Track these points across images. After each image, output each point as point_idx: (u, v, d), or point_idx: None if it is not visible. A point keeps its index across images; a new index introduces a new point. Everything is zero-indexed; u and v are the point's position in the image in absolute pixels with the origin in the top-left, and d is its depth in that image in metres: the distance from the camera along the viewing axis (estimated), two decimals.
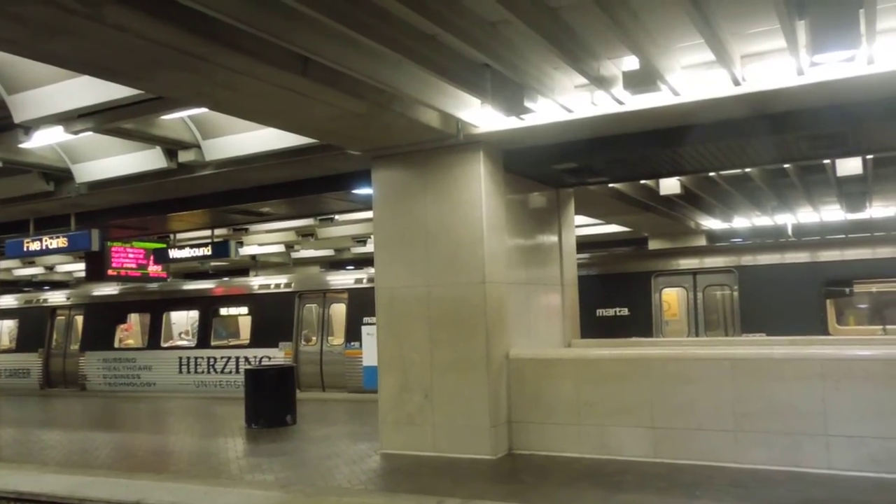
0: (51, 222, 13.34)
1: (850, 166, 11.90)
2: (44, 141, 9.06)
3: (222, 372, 16.74)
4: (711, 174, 12.98)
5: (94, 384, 18.43)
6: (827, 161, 11.95)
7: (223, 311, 17.78)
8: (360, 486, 6.87)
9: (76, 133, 8.44)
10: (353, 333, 15.26)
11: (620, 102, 7.07)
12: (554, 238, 9.89)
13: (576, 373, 8.01)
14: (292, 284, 16.87)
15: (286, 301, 16.46)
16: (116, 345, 18.74)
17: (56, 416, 14.48)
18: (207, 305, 17.62)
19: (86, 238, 12.60)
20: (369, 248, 20.68)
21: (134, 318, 19.64)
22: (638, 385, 7.59)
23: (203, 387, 16.80)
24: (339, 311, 16.04)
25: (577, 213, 11.37)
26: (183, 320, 19.37)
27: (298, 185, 11.13)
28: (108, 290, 19.50)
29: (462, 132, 7.93)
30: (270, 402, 10.88)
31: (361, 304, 14.94)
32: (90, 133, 8.83)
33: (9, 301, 21.41)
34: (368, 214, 12.67)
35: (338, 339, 15.87)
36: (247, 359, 16.34)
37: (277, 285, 17.06)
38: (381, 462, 7.96)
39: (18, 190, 11.70)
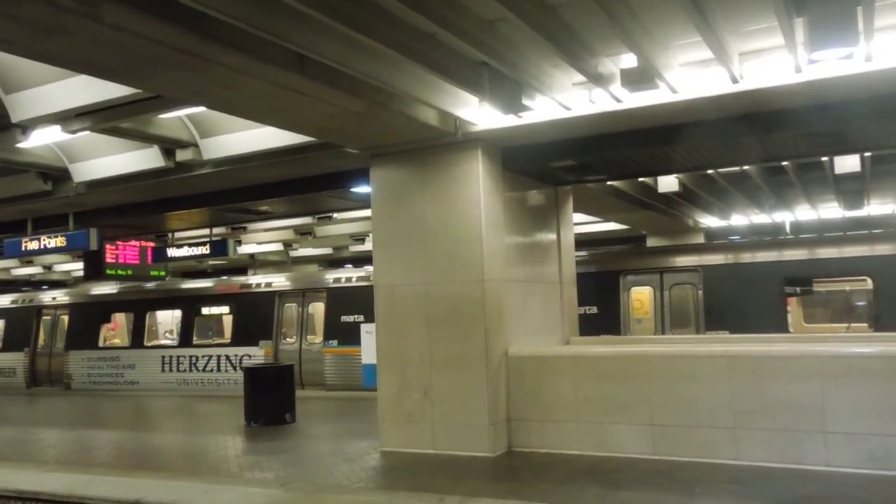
0: (49, 222, 13.33)
1: (848, 164, 11.93)
2: (41, 140, 9.06)
3: (204, 370, 16.92)
4: (710, 172, 13.00)
5: (78, 383, 18.62)
6: (825, 159, 11.97)
7: (205, 311, 17.99)
8: (360, 484, 6.88)
9: (74, 132, 8.43)
10: (331, 332, 15.58)
11: (618, 100, 7.07)
12: (552, 236, 9.90)
13: (574, 370, 8.01)
14: (272, 284, 17.13)
15: (266, 300, 16.71)
16: (101, 344, 18.95)
17: (49, 414, 14.47)
18: (189, 305, 17.82)
19: (84, 237, 12.59)
20: (368, 246, 20.69)
21: (118, 317, 19.84)
22: (636, 382, 7.60)
23: (185, 385, 16.98)
24: (318, 309, 16.31)
25: (576, 210, 11.37)
26: (168, 319, 19.55)
27: (297, 184, 11.13)
28: (93, 290, 19.79)
29: (460, 130, 7.93)
30: (269, 400, 10.88)
31: (339, 303, 15.54)
32: (88, 132, 8.81)
33: None
34: (367, 213, 12.70)
35: (316, 338, 16.15)
36: (227, 357, 16.56)
37: (258, 285, 17.32)
38: (381, 460, 7.97)
39: (16, 189, 11.68)
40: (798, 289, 12.94)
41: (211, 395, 15.84)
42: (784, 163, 12.21)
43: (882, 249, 12.34)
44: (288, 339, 16.50)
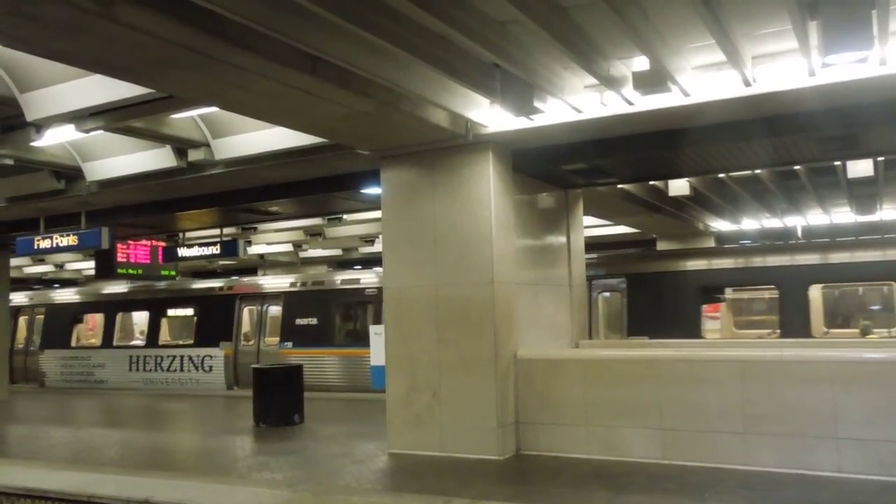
0: (61, 220, 13.39)
1: (860, 168, 11.83)
2: (55, 139, 9.12)
3: (168, 370, 17.63)
4: (720, 175, 12.95)
5: (52, 381, 19.32)
6: (837, 163, 11.89)
7: (170, 312, 18.91)
8: (368, 486, 6.88)
9: (87, 131, 8.47)
10: (287, 334, 16.46)
11: (630, 103, 7.05)
12: (562, 238, 9.88)
13: (584, 373, 7.99)
14: (233, 288, 18.01)
15: (228, 303, 17.57)
16: (73, 343, 19.78)
17: (43, 413, 14.59)
18: (156, 306, 18.69)
19: (96, 236, 12.64)
20: (377, 247, 20.71)
21: (90, 318, 20.71)
22: (646, 386, 7.57)
23: (151, 384, 17.65)
24: (276, 312, 17.09)
25: (586, 213, 11.34)
26: (142, 320, 20.11)
27: (307, 185, 11.14)
28: (67, 292, 20.88)
29: (471, 132, 7.92)
30: (278, 401, 10.91)
31: (296, 306, 16.55)
32: (101, 131, 8.86)
33: None
34: (377, 214, 12.70)
35: (274, 339, 16.85)
36: (191, 357, 17.38)
37: (220, 288, 18.20)
38: (389, 461, 7.97)
39: (29, 188, 11.75)
40: (720, 296, 14.24)
41: (174, 393, 16.57)
42: (796, 167, 12.14)
43: (783, 260, 13.26)
44: (248, 342, 17.27)
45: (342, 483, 7.05)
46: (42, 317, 20.72)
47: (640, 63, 6.64)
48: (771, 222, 19.78)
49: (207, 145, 9.83)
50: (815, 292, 13.18)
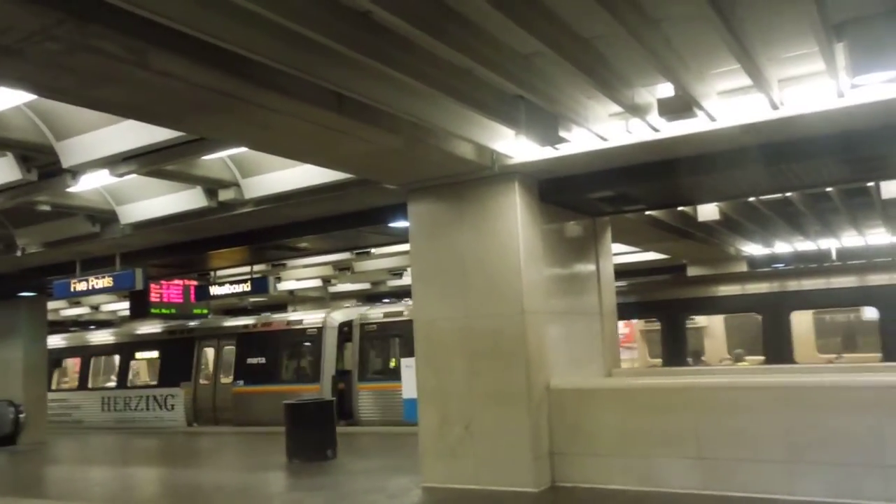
0: (96, 263, 13.65)
1: (894, 188, 11.63)
2: (90, 184, 9.33)
3: (135, 409, 18.89)
4: (750, 199, 12.80)
5: None
6: (871, 184, 11.70)
7: (138, 355, 20.21)
8: None
9: (121, 176, 8.66)
10: (240, 373, 17.58)
11: (656, 130, 7.04)
12: (592, 267, 9.81)
13: (618, 403, 7.87)
14: (193, 330, 19.06)
15: (188, 345, 18.76)
16: (53, 387, 20.79)
17: (65, 453, 14.83)
18: (125, 350, 20.00)
19: (130, 277, 12.84)
20: (405, 280, 20.75)
21: (68, 363, 22.05)
22: (683, 415, 7.42)
23: (121, 423, 18.73)
24: (230, 352, 18.19)
25: (614, 241, 11.27)
26: (113, 364, 21.10)
27: (335, 220, 11.24)
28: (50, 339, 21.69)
29: (497, 163, 7.96)
30: (311, 437, 10.89)
31: (247, 346, 17.73)
32: (134, 175, 9.06)
33: None
34: (405, 247, 12.73)
35: (229, 378, 17.87)
36: (155, 397, 18.66)
37: (182, 331, 19.27)
38: (423, 496, 7.89)
39: (65, 232, 12.01)
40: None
41: (140, 430, 17.87)
42: (828, 189, 11.97)
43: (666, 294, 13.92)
44: (204, 381, 18.39)
45: None
46: None
47: (665, 90, 6.63)
48: (804, 245, 19.47)
49: (237, 185, 9.98)
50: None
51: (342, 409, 15.55)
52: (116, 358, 20.37)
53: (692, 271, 19.06)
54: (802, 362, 11.95)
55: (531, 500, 7.39)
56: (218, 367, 18.29)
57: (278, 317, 18.88)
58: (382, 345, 16.32)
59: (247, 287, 15.70)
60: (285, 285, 22.15)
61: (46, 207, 10.49)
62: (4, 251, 12.89)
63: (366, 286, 24.56)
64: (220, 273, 17.59)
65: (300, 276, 21.25)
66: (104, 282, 13.03)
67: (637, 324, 16.29)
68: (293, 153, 7.78)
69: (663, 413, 7.54)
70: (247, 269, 16.75)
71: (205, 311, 18.22)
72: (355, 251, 17.32)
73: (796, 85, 6.48)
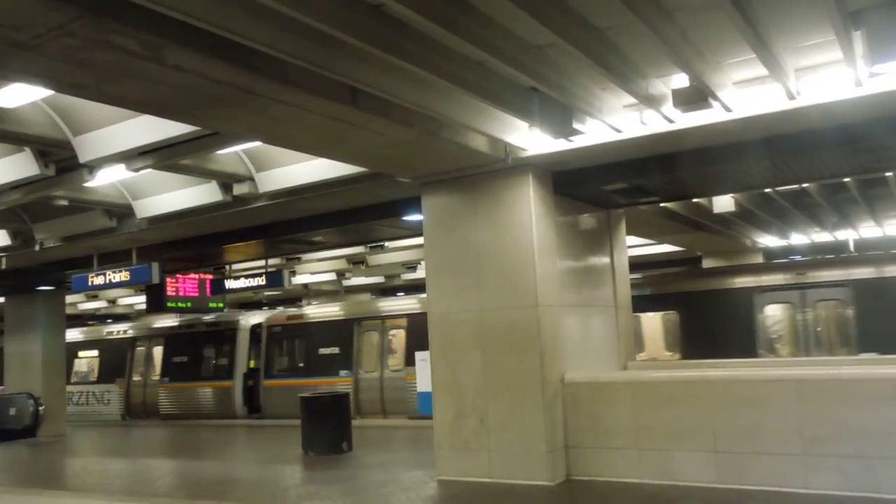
0: (113, 257, 13.77)
1: None
2: (107, 179, 9.40)
3: (77, 403, 20.42)
4: (767, 190, 12.70)
5: None
6: (889, 174, 11.57)
7: (81, 354, 21.41)
8: None
9: (137, 170, 8.73)
10: (166, 370, 19.14)
11: (671, 121, 7.00)
12: (606, 259, 9.78)
13: (633, 396, 7.85)
14: (128, 332, 20.84)
15: (125, 345, 20.47)
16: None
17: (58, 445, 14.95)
18: (71, 350, 20.07)
19: (147, 271, 12.95)
20: (419, 273, 20.79)
21: None
22: (699, 408, 7.39)
23: (68, 416, 19.30)
24: (159, 352, 19.74)
25: (629, 233, 11.22)
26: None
27: (349, 214, 11.27)
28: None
29: (510, 156, 7.94)
30: (326, 430, 10.95)
31: (173, 346, 19.27)
32: (150, 170, 9.13)
33: None
34: (419, 241, 12.74)
35: (156, 375, 19.50)
36: (94, 393, 20.51)
37: (119, 332, 20.97)
38: (438, 489, 7.92)
39: (83, 227, 12.13)
40: None
41: (83, 422, 18.96)
42: (846, 179, 11.85)
43: None
44: (136, 378, 20.01)
45: None
46: None
47: (680, 80, 6.59)
48: (821, 236, 19.29)
49: (252, 179, 10.03)
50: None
51: (251, 404, 17.40)
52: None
53: (707, 263, 18.96)
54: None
55: (546, 494, 7.40)
56: (148, 366, 19.93)
57: (202, 319, 20.07)
58: (288, 345, 17.56)
59: (262, 281, 15.78)
60: (300, 279, 22.24)
61: (64, 202, 10.59)
62: (23, 245, 13.03)
63: (380, 280, 24.62)
64: (235, 267, 17.69)
65: (315, 269, 21.32)
66: (121, 276, 13.14)
67: None
68: (308, 147, 7.80)
69: (679, 406, 7.52)
70: (262, 262, 16.83)
71: (220, 305, 18.33)
72: (369, 245, 17.37)
73: (813, 74, 6.42)
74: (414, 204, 9.46)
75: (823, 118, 6.89)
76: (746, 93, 6.71)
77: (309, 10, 4.48)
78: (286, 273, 16.50)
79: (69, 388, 19.61)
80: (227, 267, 17.46)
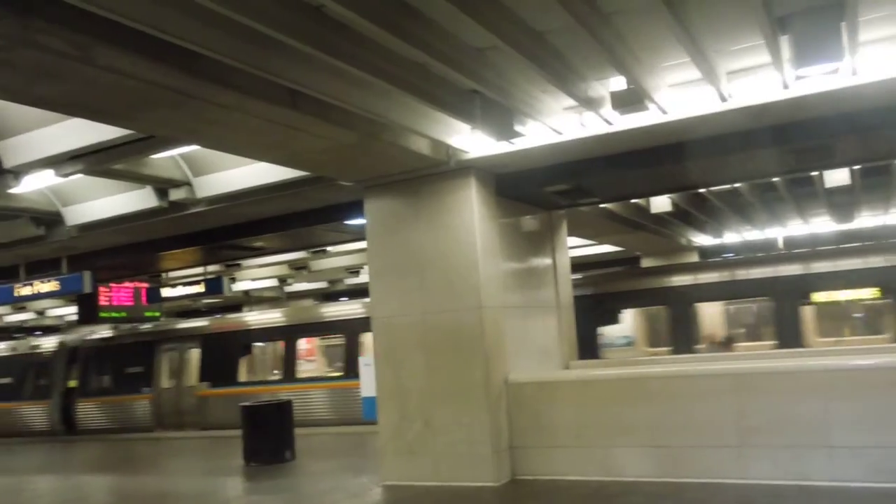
0: (42, 266, 13.26)
1: (837, 178, 12.02)
2: (34, 185, 9.04)
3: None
4: (701, 190, 13.09)
5: None
6: (815, 173, 12.07)
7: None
8: None
9: (67, 176, 8.43)
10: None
11: (609, 123, 7.13)
12: (548, 260, 9.90)
13: (575, 395, 7.96)
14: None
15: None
16: None
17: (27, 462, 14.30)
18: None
19: (78, 281, 12.51)
20: (363, 278, 20.67)
21: None
22: (638, 404, 7.54)
23: None
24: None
25: (570, 234, 11.39)
26: None
27: (290, 218, 11.14)
28: None
29: (453, 158, 7.96)
30: (268, 439, 10.73)
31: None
32: (80, 175, 8.82)
33: None
34: (361, 245, 12.67)
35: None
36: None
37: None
38: (384, 494, 7.86)
39: (8, 236, 11.63)
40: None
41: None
42: (774, 179, 12.31)
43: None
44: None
45: None
46: None
47: (618, 83, 6.72)
48: (752, 234, 19.99)
49: (189, 184, 9.81)
50: None
51: (68, 422, 18.06)
52: None
53: (646, 263, 19.41)
54: None
55: (491, 495, 7.43)
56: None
57: (29, 342, 20.51)
58: (100, 365, 18.24)
59: (201, 288, 15.43)
60: (240, 286, 21.84)
61: None
62: None
63: (323, 285, 24.37)
64: (172, 274, 17.26)
65: (256, 276, 20.97)
66: (50, 286, 12.67)
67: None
68: (247, 151, 7.66)
69: (619, 403, 7.65)
70: (200, 270, 16.46)
71: (157, 315, 17.84)
72: (312, 250, 17.19)
73: (744, 77, 6.63)
74: (357, 207, 9.39)
75: (753, 120, 7.13)
76: (681, 95, 6.89)
77: (246, 9, 4.39)
78: (226, 280, 16.16)
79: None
80: (164, 274, 17.03)
